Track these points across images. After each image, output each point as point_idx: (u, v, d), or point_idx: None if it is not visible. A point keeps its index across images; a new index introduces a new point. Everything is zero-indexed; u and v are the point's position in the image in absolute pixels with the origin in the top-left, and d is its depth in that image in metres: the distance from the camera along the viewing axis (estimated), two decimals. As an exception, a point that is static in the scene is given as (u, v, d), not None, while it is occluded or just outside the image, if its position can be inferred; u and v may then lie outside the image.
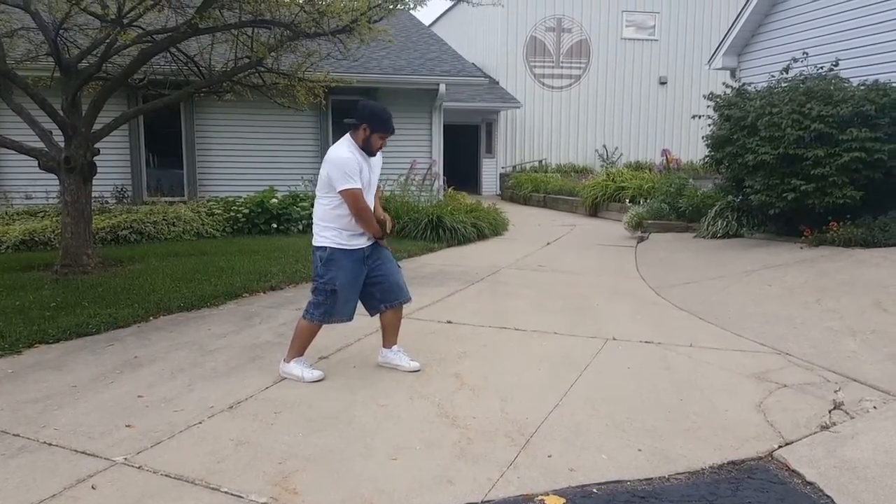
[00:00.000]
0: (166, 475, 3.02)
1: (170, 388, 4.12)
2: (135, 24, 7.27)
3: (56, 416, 3.68)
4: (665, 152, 17.00)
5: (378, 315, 4.43)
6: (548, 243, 10.50)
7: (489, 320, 5.72)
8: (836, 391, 3.98)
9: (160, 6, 6.98)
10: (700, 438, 3.39)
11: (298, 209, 11.33)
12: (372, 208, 4.20)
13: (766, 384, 4.13)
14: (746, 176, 8.49)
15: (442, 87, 13.08)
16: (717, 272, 7.38)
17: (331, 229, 4.14)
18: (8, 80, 7.41)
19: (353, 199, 4.04)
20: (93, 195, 8.28)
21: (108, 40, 7.05)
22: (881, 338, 4.83)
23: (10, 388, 4.11)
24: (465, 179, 20.42)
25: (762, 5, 10.87)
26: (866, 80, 8.03)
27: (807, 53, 8.87)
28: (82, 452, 3.24)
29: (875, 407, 3.72)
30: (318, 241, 4.19)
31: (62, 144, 7.55)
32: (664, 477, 3.01)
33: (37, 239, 9.54)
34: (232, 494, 2.86)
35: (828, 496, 2.83)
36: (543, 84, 22.63)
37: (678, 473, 3.05)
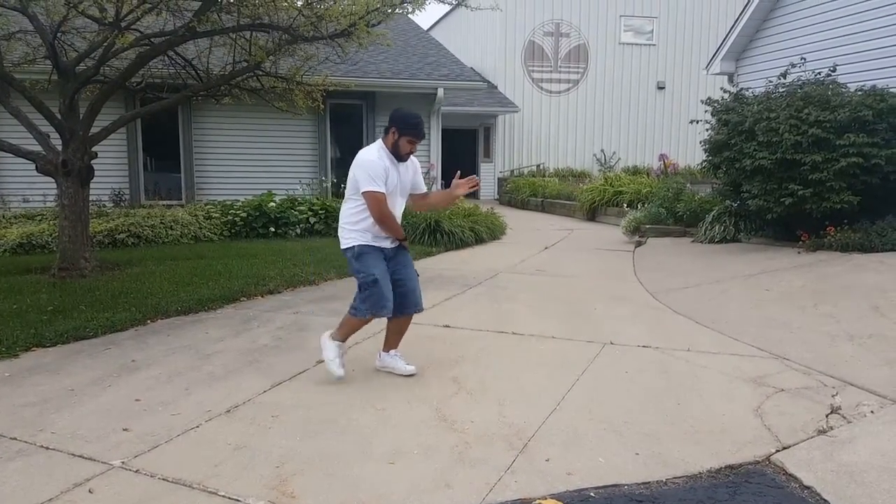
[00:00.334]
0: (164, 479, 3.01)
1: (167, 391, 4.11)
2: (132, 27, 7.28)
3: (53, 419, 3.67)
4: (663, 157, 17.05)
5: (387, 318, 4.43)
6: (546, 247, 10.50)
7: (487, 324, 5.72)
8: (833, 395, 3.98)
9: (158, 10, 6.99)
10: (697, 442, 3.39)
11: (296, 213, 11.32)
12: (400, 212, 4.28)
13: (763, 388, 4.13)
14: (744, 181, 8.51)
15: (440, 91, 13.10)
16: (714, 276, 7.39)
17: (355, 231, 4.18)
18: (5, 83, 7.41)
19: (373, 201, 4.06)
20: (90, 198, 8.27)
21: (105, 43, 7.04)
22: (879, 342, 4.83)
23: (8, 392, 4.10)
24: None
25: (760, 10, 10.90)
26: (864, 86, 8.05)
27: (805, 59, 8.89)
28: (80, 456, 3.23)
29: (872, 411, 3.72)
30: (343, 243, 4.25)
31: (60, 148, 7.54)
32: (662, 481, 3.02)
33: (34, 242, 9.53)
34: (230, 498, 2.85)
35: (825, 500, 2.83)
36: (542, 88, 22.66)
37: (676, 477, 3.05)
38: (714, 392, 4.09)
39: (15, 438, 3.43)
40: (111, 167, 11.94)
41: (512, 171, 22.08)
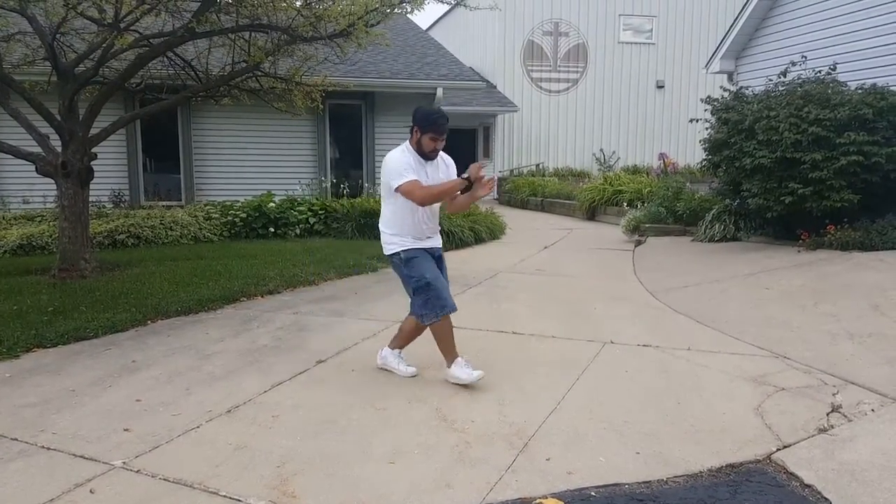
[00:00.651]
0: (164, 479, 3.01)
1: (168, 391, 4.11)
2: (132, 28, 7.28)
3: (54, 420, 3.68)
4: (662, 156, 17.03)
5: (406, 316, 4.41)
6: (545, 247, 10.50)
7: (487, 324, 5.72)
8: (834, 394, 3.98)
9: (157, 11, 6.99)
10: (698, 441, 3.39)
11: (296, 213, 11.31)
12: (435, 211, 4.23)
13: (764, 387, 4.13)
14: (744, 179, 8.50)
15: (439, 91, 13.08)
16: (714, 275, 7.39)
17: (396, 236, 4.15)
18: (5, 84, 7.40)
19: (408, 190, 3.98)
20: (90, 199, 8.27)
21: (104, 45, 7.04)
22: (879, 341, 4.83)
23: (9, 392, 4.10)
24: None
25: (760, 9, 10.91)
26: (864, 84, 8.05)
27: (805, 57, 8.89)
28: (80, 456, 3.23)
29: (873, 410, 3.72)
30: (386, 249, 4.22)
31: (59, 149, 7.54)
32: (662, 480, 3.02)
33: (34, 243, 9.53)
34: (230, 498, 2.85)
35: (826, 499, 2.83)
36: (541, 88, 22.66)
37: (676, 476, 3.05)
38: (714, 391, 4.09)
39: (16, 439, 3.43)
40: (111, 168, 11.94)
41: (511, 171, 22.08)
